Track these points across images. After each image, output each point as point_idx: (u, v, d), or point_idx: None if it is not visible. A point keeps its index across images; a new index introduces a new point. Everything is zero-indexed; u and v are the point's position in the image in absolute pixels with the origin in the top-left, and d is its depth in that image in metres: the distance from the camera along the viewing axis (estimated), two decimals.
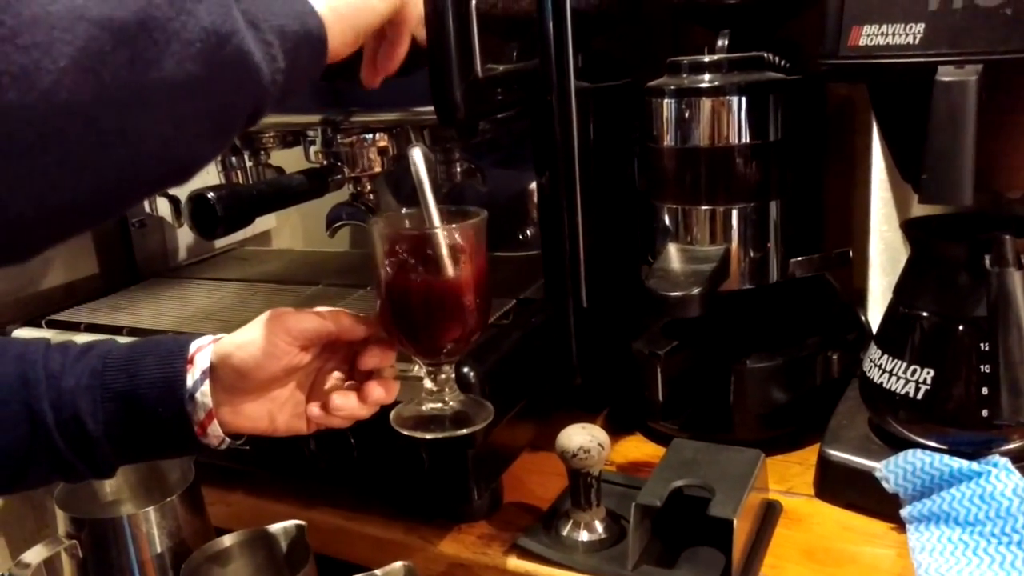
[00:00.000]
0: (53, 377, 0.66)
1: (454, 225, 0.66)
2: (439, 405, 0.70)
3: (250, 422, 0.69)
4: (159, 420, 0.66)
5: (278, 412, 0.69)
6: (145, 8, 0.42)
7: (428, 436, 0.68)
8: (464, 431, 0.69)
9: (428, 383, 0.70)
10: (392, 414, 0.70)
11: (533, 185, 0.96)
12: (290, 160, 1.06)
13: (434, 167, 0.91)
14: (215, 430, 0.67)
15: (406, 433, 0.68)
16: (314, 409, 0.69)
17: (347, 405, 0.68)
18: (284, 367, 0.67)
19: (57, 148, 0.40)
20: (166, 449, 0.72)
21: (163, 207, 1.11)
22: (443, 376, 0.70)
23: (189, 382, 0.66)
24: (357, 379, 0.71)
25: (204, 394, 0.66)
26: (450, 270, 0.65)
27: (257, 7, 0.49)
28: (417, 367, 0.71)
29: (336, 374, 0.71)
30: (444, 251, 0.65)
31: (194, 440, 0.68)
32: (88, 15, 0.40)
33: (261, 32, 0.49)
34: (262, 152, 1.01)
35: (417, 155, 0.67)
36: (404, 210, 0.69)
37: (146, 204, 1.11)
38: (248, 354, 0.66)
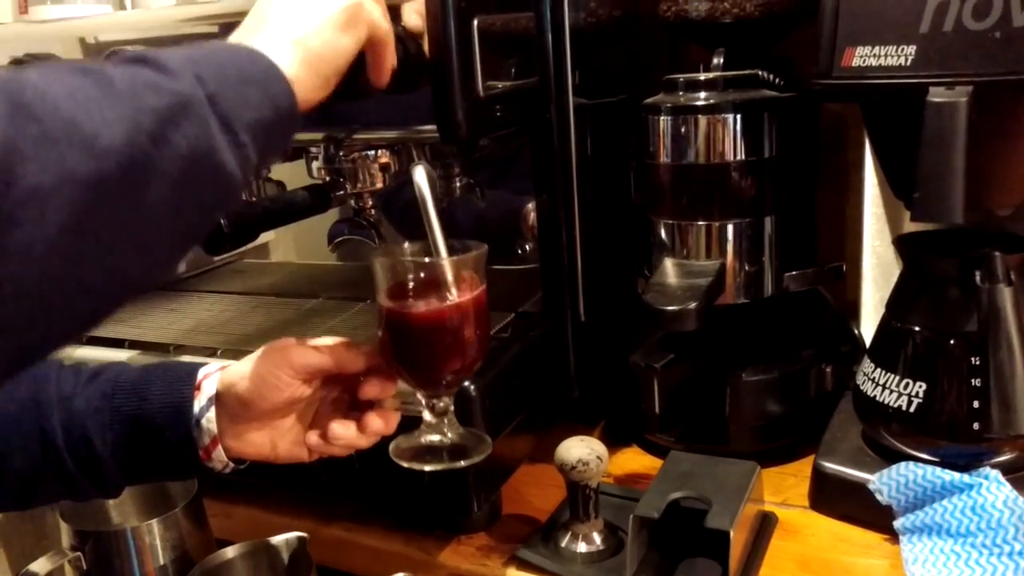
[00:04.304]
0: (64, 399, 0.68)
1: (455, 257, 0.67)
2: (437, 438, 0.71)
3: (252, 448, 0.70)
4: (166, 444, 0.68)
5: (279, 440, 0.71)
6: (129, 153, 0.43)
7: (427, 468, 0.69)
8: (462, 463, 0.69)
9: (427, 415, 0.71)
10: (391, 446, 0.71)
11: (531, 199, 0.97)
12: (291, 175, 1.07)
13: (436, 184, 0.92)
14: (219, 455, 0.69)
15: (405, 465, 0.69)
16: (313, 437, 0.71)
17: (346, 434, 0.70)
18: (286, 399, 0.68)
19: (43, 305, 0.42)
20: (171, 471, 0.75)
21: None
22: (442, 408, 0.71)
23: (196, 408, 0.68)
24: (359, 408, 0.72)
25: (210, 420, 0.68)
26: (450, 303, 0.66)
27: (232, 104, 0.50)
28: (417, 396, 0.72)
29: (337, 404, 0.73)
30: (444, 284, 0.66)
31: (199, 464, 0.70)
32: (77, 176, 0.41)
33: (235, 135, 0.49)
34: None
35: (420, 174, 0.69)
36: (406, 243, 0.70)
37: None
38: (252, 384, 0.68)
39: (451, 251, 0.68)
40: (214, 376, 0.70)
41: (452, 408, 0.71)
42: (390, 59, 0.68)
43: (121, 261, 0.45)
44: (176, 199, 0.46)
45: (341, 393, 0.73)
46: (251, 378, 0.68)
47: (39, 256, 0.40)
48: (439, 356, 0.67)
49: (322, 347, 0.69)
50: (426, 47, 0.74)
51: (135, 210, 0.44)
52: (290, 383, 0.68)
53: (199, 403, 0.68)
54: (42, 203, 0.40)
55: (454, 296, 0.66)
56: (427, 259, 0.67)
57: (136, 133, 0.44)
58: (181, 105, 0.47)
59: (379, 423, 0.70)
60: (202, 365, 0.71)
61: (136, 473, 0.71)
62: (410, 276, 0.67)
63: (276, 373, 0.68)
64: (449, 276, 0.66)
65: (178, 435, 0.68)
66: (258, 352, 0.70)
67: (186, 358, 0.95)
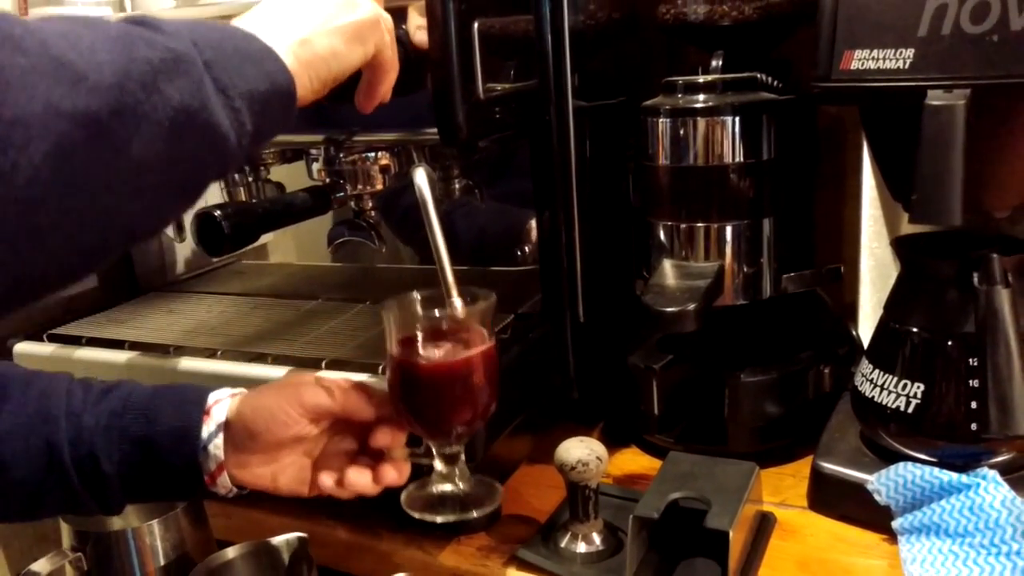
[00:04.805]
0: (73, 414, 0.69)
1: (465, 309, 0.68)
2: (449, 487, 0.71)
3: (253, 479, 0.71)
4: (172, 467, 0.69)
5: (281, 474, 0.72)
6: (118, 96, 0.43)
7: (439, 519, 0.70)
8: (474, 515, 0.71)
9: (438, 465, 0.71)
10: (403, 496, 0.72)
11: (532, 214, 0.97)
12: (290, 176, 1.07)
13: (436, 185, 0.92)
14: (224, 481, 0.70)
15: (416, 516, 0.71)
16: (327, 480, 0.72)
17: (360, 482, 0.71)
18: (293, 435, 0.70)
19: (29, 237, 0.42)
20: (175, 493, 0.76)
21: None
22: (453, 455, 0.71)
23: (204, 433, 0.69)
24: (366, 453, 0.73)
25: (217, 447, 0.69)
26: (461, 355, 0.67)
27: (228, 72, 0.50)
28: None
29: (346, 447, 0.74)
30: (455, 336, 0.67)
31: (203, 488, 0.70)
32: (63, 110, 0.41)
33: (230, 99, 0.50)
34: (262, 168, 1.02)
35: (421, 176, 0.69)
36: (416, 292, 0.71)
37: None
38: (260, 417, 0.69)
39: (461, 297, 0.69)
40: (224, 402, 0.71)
41: (463, 457, 0.72)
42: (384, 89, 0.68)
43: (109, 202, 0.45)
44: (167, 150, 0.46)
45: (350, 437, 0.74)
46: (260, 411, 0.69)
47: (22, 183, 0.40)
48: (450, 408, 0.68)
49: (334, 389, 0.70)
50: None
51: (123, 153, 0.44)
52: (298, 420, 0.69)
53: (207, 429, 0.69)
54: (27, 131, 0.40)
55: (465, 348, 0.67)
56: (437, 312, 0.68)
57: (126, 79, 0.44)
58: (175, 61, 0.47)
59: (393, 475, 0.71)
60: (213, 389, 0.72)
61: (140, 492, 0.72)
62: (421, 328, 0.68)
63: (286, 409, 0.69)
64: (460, 329, 0.67)
65: (184, 459, 0.69)
66: (272, 385, 0.71)
67: (186, 359, 0.96)
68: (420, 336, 0.68)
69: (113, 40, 0.45)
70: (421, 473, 0.74)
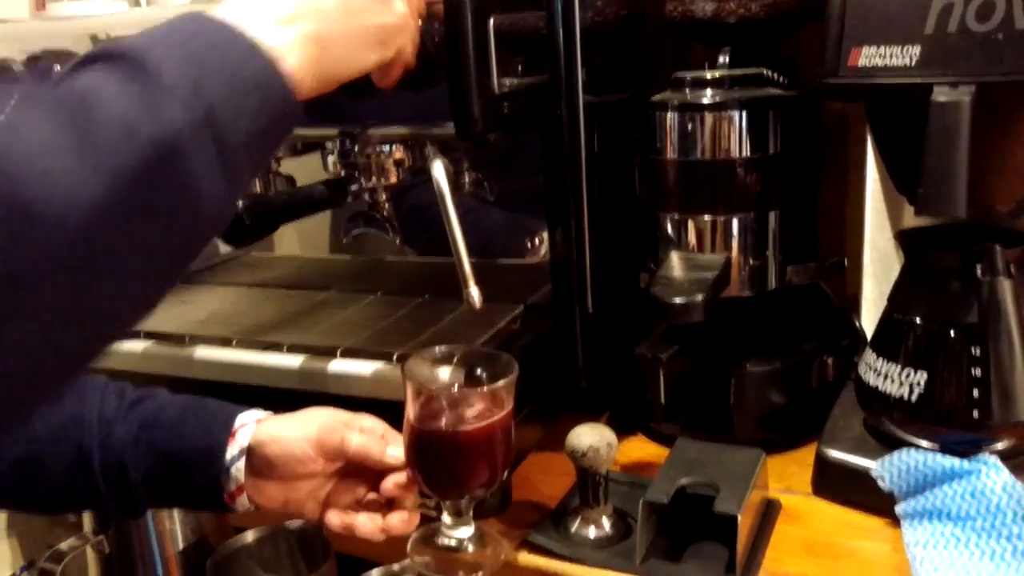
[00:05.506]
0: (106, 422, 0.71)
1: (485, 388, 0.70)
2: (454, 541, 0.74)
3: (265, 501, 0.74)
4: (195, 483, 0.72)
5: (291, 501, 0.75)
6: (111, 216, 0.41)
7: None
8: (479, 575, 0.73)
9: (446, 518, 0.74)
10: (409, 544, 0.75)
11: (541, 226, 0.99)
12: (298, 169, 1.08)
13: (453, 178, 0.93)
14: (243, 501, 0.73)
15: (422, 572, 0.73)
16: (334, 520, 0.74)
17: (367, 529, 0.74)
18: (308, 471, 0.73)
19: (16, 379, 0.41)
20: (195, 505, 0.79)
21: None
22: (461, 512, 0.73)
23: (228, 455, 0.71)
24: (379, 494, 0.76)
25: (239, 469, 0.72)
26: (480, 423, 0.68)
27: (228, 114, 0.46)
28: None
29: (358, 490, 0.76)
30: (474, 409, 0.69)
31: (221, 504, 0.73)
32: (48, 261, 0.39)
33: (230, 153, 0.46)
34: (273, 162, 1.03)
35: (438, 168, 0.71)
36: (438, 348, 0.73)
37: None
38: (280, 450, 0.72)
39: (484, 362, 0.71)
40: (250, 427, 0.73)
41: (471, 512, 0.74)
42: (400, 71, 0.69)
43: (98, 327, 0.45)
44: (161, 241, 0.45)
45: (362, 479, 0.76)
46: (281, 443, 0.72)
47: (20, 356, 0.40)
48: (465, 473, 0.70)
49: (354, 439, 0.72)
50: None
51: (116, 271, 0.43)
52: (315, 460, 0.72)
53: (231, 451, 0.72)
54: (13, 292, 0.39)
55: (486, 415, 0.69)
56: (455, 385, 0.71)
57: (115, 194, 0.41)
58: (171, 145, 0.43)
59: (401, 525, 0.74)
60: (240, 411, 0.74)
61: (161, 501, 0.75)
62: (441, 394, 0.70)
63: (304, 447, 0.72)
64: (481, 396, 0.69)
65: (207, 477, 0.72)
66: (297, 417, 0.74)
67: (201, 348, 0.97)
68: (440, 402, 0.70)
69: (96, 146, 0.41)
70: (429, 518, 0.76)
